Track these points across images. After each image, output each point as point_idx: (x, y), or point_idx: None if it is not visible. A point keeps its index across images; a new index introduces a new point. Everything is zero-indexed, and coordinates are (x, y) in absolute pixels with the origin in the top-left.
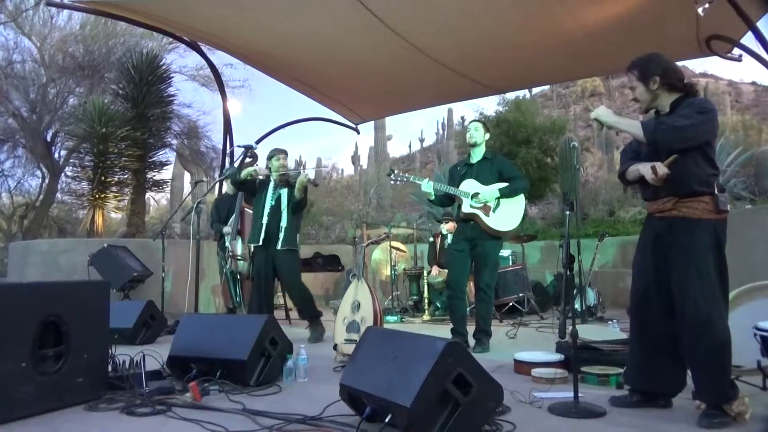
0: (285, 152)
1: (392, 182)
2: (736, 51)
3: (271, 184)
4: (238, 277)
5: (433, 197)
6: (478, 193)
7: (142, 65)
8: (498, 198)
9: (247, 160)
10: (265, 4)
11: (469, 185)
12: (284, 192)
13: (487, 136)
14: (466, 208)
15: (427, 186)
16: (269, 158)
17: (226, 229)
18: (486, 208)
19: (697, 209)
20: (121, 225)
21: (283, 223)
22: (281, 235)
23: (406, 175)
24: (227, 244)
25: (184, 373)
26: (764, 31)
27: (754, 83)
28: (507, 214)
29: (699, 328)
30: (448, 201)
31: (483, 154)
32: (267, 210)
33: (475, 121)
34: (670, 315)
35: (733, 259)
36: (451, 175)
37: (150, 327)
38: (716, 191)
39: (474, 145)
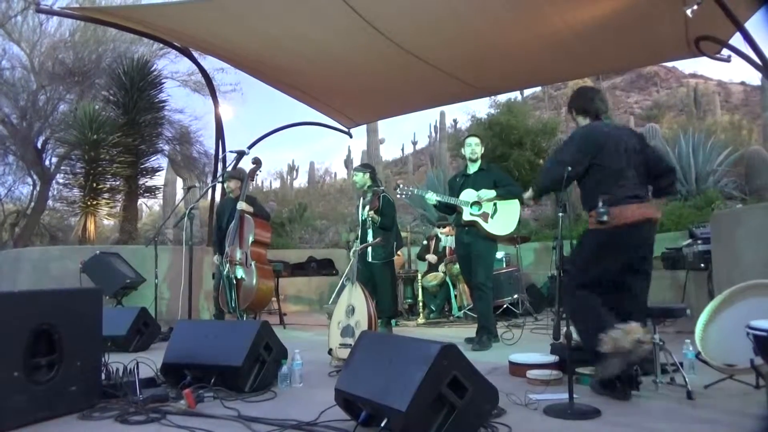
0: (363, 169)
1: (399, 195)
2: (725, 52)
3: (362, 200)
4: (235, 282)
5: (435, 204)
6: (478, 201)
7: (132, 71)
8: (494, 202)
9: (252, 166)
10: (254, 8)
11: (468, 195)
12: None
13: (482, 149)
14: (466, 216)
15: (431, 198)
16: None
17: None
18: (485, 215)
19: (589, 221)
20: (113, 232)
21: (370, 239)
22: (369, 249)
23: (411, 188)
24: (227, 248)
25: (179, 380)
26: (752, 32)
27: (743, 83)
28: (504, 220)
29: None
30: (448, 210)
31: (479, 165)
32: (360, 223)
33: (472, 136)
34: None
35: (724, 259)
36: (451, 186)
37: (143, 334)
38: (599, 205)
39: (475, 161)
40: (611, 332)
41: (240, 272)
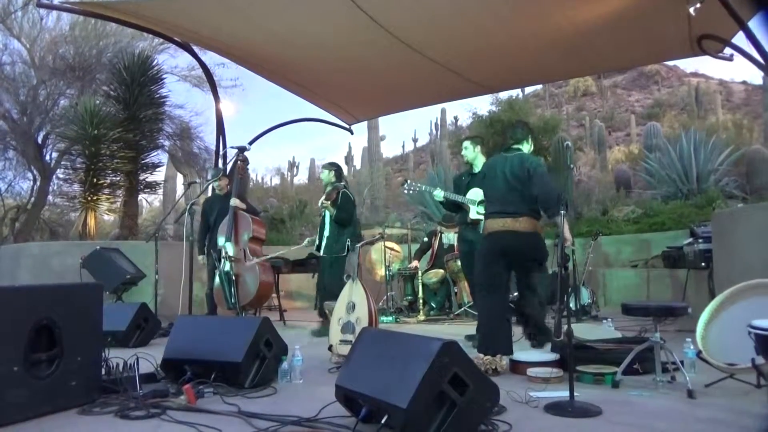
0: (329, 166)
1: (405, 191)
2: (728, 50)
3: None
4: (233, 278)
5: (442, 200)
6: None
7: (133, 66)
8: None
9: (239, 163)
10: (255, 3)
11: (475, 194)
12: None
13: (479, 148)
14: (473, 215)
15: (439, 195)
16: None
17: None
18: None
19: None
20: (113, 227)
21: (326, 233)
22: (323, 243)
23: (419, 185)
24: (220, 245)
25: (179, 375)
26: (755, 31)
27: (744, 82)
28: None
29: None
30: (454, 207)
31: (483, 164)
32: (321, 219)
33: (466, 139)
34: None
35: (725, 258)
36: (456, 184)
37: (143, 329)
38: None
39: (468, 163)
40: (482, 357)
41: (234, 268)
